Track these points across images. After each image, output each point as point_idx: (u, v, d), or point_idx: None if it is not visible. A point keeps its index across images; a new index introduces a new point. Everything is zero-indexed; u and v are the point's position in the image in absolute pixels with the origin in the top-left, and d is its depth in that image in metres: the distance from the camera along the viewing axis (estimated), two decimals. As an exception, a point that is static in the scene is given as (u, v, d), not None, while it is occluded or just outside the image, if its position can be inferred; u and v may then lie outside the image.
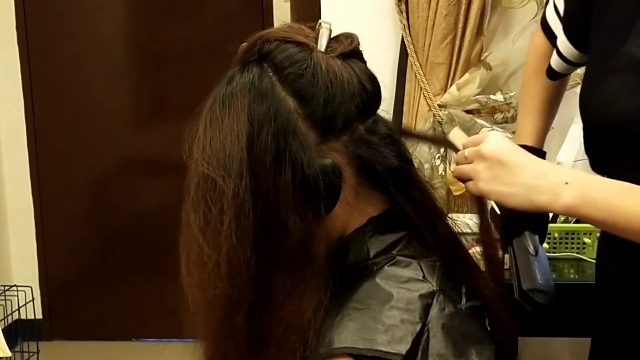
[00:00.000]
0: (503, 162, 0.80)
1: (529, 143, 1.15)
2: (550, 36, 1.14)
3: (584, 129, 0.95)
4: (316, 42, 0.74)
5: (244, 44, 0.76)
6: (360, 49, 0.77)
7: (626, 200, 0.76)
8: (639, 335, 0.97)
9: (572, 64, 1.11)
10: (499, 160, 0.80)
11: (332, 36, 0.75)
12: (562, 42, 1.09)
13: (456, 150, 0.89)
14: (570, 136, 1.70)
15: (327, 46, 0.74)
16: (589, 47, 1.00)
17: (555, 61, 1.12)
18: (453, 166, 1.88)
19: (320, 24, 0.74)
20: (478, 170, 0.81)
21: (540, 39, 1.17)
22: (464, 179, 0.85)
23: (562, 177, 0.78)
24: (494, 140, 0.82)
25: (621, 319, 1.00)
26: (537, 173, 0.79)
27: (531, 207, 0.79)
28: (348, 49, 0.75)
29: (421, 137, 1.26)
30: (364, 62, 0.77)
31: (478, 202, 0.85)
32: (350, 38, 0.76)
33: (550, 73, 1.15)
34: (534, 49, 1.20)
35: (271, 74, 0.72)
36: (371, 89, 0.75)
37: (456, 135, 0.96)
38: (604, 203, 0.77)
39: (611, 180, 0.80)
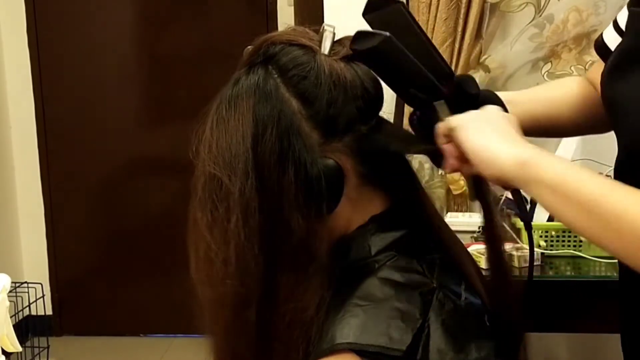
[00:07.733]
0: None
1: None
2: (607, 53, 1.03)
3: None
4: (320, 45, 0.74)
5: (249, 46, 0.77)
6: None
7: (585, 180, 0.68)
8: None
9: None
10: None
11: (335, 39, 0.75)
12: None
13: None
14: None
15: (331, 49, 0.74)
16: None
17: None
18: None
19: (324, 27, 0.75)
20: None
21: (584, 84, 1.06)
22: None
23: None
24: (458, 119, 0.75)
25: None
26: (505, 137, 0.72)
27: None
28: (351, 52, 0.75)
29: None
30: None
31: (482, 200, 0.79)
32: None
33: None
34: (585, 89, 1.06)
35: (276, 75, 0.73)
36: (374, 91, 0.75)
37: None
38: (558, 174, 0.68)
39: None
